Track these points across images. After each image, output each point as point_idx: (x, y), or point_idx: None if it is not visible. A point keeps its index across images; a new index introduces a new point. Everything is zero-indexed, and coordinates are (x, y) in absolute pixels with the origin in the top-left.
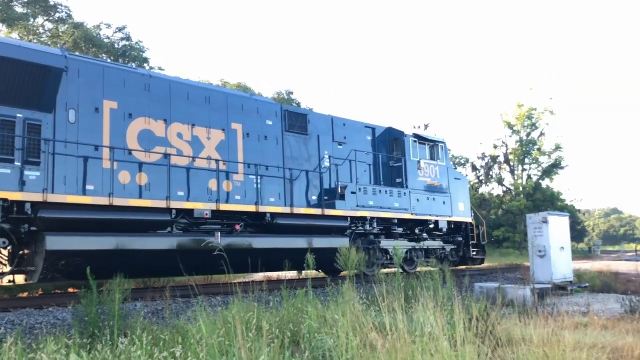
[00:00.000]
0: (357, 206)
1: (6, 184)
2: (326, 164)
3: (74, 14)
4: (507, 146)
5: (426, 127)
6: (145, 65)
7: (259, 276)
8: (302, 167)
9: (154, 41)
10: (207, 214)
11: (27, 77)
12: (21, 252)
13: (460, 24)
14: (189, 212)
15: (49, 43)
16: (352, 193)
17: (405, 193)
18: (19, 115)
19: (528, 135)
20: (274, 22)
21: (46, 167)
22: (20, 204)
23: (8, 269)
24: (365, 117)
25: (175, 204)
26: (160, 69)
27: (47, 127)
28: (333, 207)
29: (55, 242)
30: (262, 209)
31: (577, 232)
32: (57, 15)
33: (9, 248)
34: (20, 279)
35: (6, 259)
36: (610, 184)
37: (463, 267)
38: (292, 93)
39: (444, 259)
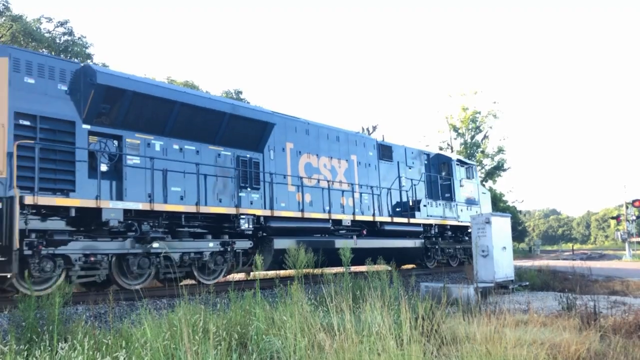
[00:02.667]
0: (428, 216)
1: (250, 205)
2: (403, 183)
3: (11, 6)
4: (452, 148)
5: (374, 128)
6: (89, 61)
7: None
8: (389, 186)
9: (98, 36)
10: (349, 223)
11: (255, 131)
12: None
13: (407, 29)
14: (338, 222)
15: None
16: (424, 206)
17: (453, 205)
18: (248, 155)
19: (472, 137)
20: (221, 21)
21: (262, 191)
22: (258, 217)
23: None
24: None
25: (332, 216)
26: (104, 64)
27: (261, 163)
28: (413, 216)
29: (279, 243)
30: (377, 218)
31: (518, 232)
32: None
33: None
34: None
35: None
36: (549, 186)
37: (410, 267)
38: (240, 92)
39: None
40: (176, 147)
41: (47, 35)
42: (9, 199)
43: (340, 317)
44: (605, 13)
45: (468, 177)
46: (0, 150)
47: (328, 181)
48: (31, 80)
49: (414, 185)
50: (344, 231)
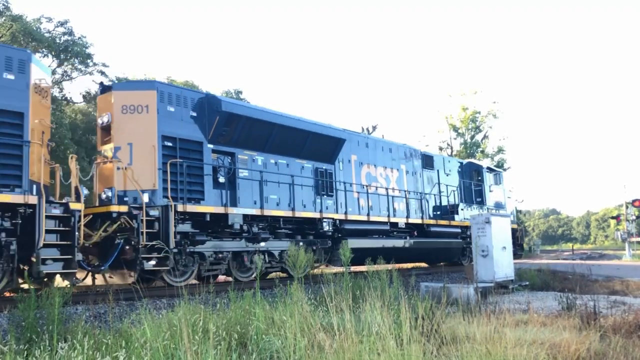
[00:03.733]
0: (464, 218)
1: (326, 210)
2: (442, 189)
3: (11, 5)
4: (452, 148)
5: (374, 128)
6: (89, 61)
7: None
8: (432, 192)
9: (98, 36)
10: (403, 225)
11: (329, 146)
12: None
13: (407, 28)
14: (394, 224)
15: None
16: (461, 209)
17: (484, 208)
18: (324, 167)
19: (472, 137)
20: (221, 20)
21: (335, 198)
22: (334, 220)
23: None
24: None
25: (391, 219)
26: (104, 65)
27: (333, 173)
28: (453, 219)
29: (352, 243)
30: (425, 221)
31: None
32: None
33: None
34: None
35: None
36: (548, 186)
37: (409, 266)
38: (240, 92)
39: None
40: (272, 161)
41: (47, 35)
42: (164, 207)
43: (340, 317)
44: (606, 13)
45: (496, 183)
46: (152, 167)
47: (384, 188)
48: (171, 109)
49: (453, 191)
50: (396, 232)
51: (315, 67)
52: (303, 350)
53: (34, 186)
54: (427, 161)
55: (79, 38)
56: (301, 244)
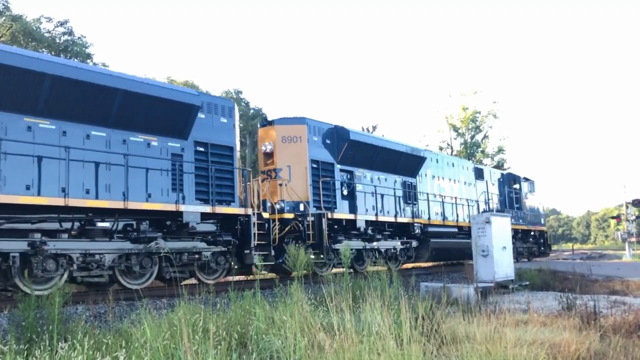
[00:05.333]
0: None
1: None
2: (490, 197)
3: (11, 5)
4: (452, 148)
5: (374, 128)
6: (89, 61)
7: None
8: (483, 199)
9: (98, 36)
10: (465, 229)
11: (415, 163)
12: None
13: (407, 28)
14: (460, 227)
15: None
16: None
17: (522, 214)
18: (409, 180)
19: (472, 137)
20: (220, 21)
21: (417, 206)
22: (421, 224)
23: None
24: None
25: (458, 223)
26: (104, 64)
27: (416, 185)
28: None
29: (434, 243)
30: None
31: None
32: None
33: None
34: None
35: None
36: (548, 186)
37: (410, 266)
38: (240, 92)
39: (533, 252)
40: (376, 177)
41: (47, 35)
42: (318, 214)
43: (340, 316)
44: (606, 13)
45: (530, 191)
46: (305, 183)
47: (451, 197)
48: (315, 138)
49: (499, 198)
50: (460, 234)
51: (315, 67)
52: (303, 350)
53: (237, 201)
54: (478, 173)
55: (79, 38)
56: (399, 243)
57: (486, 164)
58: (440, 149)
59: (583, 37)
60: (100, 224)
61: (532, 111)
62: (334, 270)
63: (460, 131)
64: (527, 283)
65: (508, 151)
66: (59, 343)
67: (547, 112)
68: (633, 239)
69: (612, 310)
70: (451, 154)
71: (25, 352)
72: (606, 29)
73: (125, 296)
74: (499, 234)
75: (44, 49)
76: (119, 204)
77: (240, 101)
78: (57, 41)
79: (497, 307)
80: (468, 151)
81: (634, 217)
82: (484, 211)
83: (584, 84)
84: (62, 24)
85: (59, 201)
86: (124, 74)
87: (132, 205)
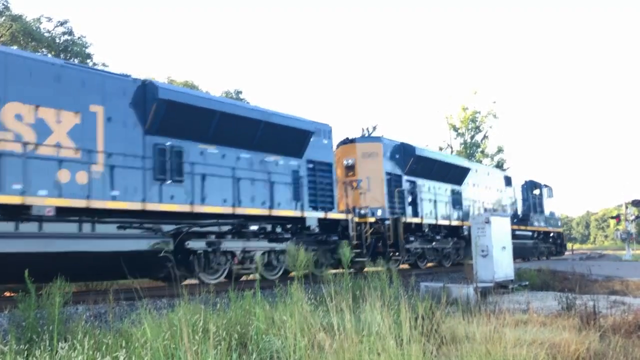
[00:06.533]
0: (533, 224)
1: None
2: (517, 202)
3: (11, 5)
4: (451, 148)
5: (374, 128)
6: (89, 61)
7: None
8: (511, 204)
9: (98, 36)
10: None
11: (461, 173)
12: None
13: (407, 29)
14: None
15: None
16: (530, 218)
17: (544, 217)
18: (456, 188)
19: (472, 137)
20: (220, 21)
21: (463, 211)
22: (464, 227)
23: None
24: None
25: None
26: (103, 64)
27: (461, 192)
28: (527, 225)
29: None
30: (512, 227)
31: None
32: None
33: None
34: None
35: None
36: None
37: (407, 267)
38: (240, 92)
39: (551, 252)
40: (433, 185)
41: (46, 35)
42: (395, 219)
43: (340, 316)
44: (606, 13)
45: (549, 196)
46: (381, 192)
47: (489, 202)
48: (388, 154)
49: (525, 203)
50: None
51: (315, 67)
52: (303, 350)
53: (336, 207)
54: (508, 181)
55: (79, 38)
56: (451, 243)
57: (507, 167)
58: (440, 148)
59: (583, 37)
60: (252, 227)
61: (531, 111)
62: (401, 266)
63: (460, 131)
64: (527, 283)
65: (508, 151)
66: (59, 343)
67: (547, 112)
68: (633, 239)
69: (612, 310)
70: (451, 154)
71: (26, 352)
72: (605, 29)
73: (125, 296)
74: (499, 234)
75: (43, 49)
76: (265, 212)
77: (240, 100)
78: (57, 41)
79: (496, 307)
80: (468, 151)
81: (633, 217)
82: (515, 216)
83: (584, 84)
84: (62, 23)
85: (227, 210)
86: (266, 109)
87: (275, 212)
